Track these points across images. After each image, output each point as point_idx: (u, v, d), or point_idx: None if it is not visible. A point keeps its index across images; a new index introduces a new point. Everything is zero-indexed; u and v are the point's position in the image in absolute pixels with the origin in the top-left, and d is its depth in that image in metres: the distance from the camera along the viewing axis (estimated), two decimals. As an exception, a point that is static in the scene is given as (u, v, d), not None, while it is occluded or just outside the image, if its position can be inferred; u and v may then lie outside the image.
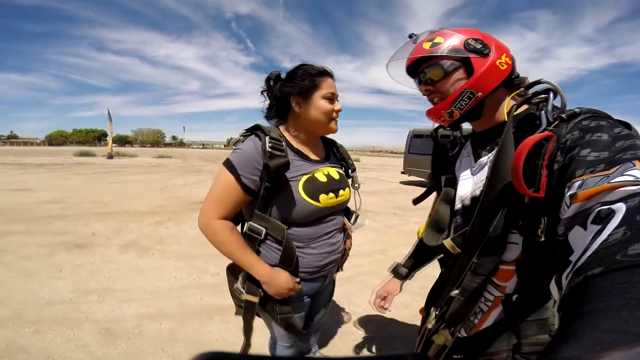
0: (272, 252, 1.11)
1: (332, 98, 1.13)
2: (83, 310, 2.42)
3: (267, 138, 1.02)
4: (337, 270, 1.36)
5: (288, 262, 1.09)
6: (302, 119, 1.13)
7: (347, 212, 1.34)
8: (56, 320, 2.27)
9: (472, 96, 0.78)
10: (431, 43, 0.81)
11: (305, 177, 1.09)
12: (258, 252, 1.12)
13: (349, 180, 1.30)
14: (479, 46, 0.77)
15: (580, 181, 0.50)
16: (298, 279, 1.13)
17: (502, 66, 0.77)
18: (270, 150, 0.99)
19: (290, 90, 1.10)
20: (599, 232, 0.39)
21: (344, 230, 1.29)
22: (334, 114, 1.14)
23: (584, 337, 0.27)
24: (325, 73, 1.13)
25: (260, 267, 1.08)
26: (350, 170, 1.32)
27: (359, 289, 2.90)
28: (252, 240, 1.11)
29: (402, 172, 12.03)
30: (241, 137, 1.10)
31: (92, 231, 4.46)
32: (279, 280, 1.07)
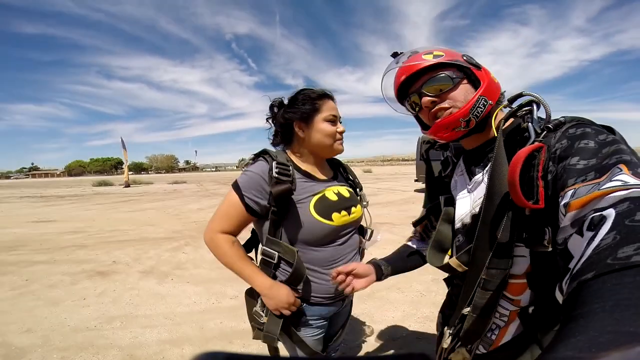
0: (287, 276, 1.09)
1: (334, 120, 1.14)
2: (107, 336, 2.47)
3: (274, 163, 1.04)
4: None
5: (294, 282, 1.08)
6: (306, 143, 1.15)
7: (362, 230, 1.31)
8: (82, 347, 2.32)
9: (486, 103, 0.77)
10: (432, 55, 0.80)
11: (316, 197, 1.10)
12: (274, 277, 1.11)
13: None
14: (474, 61, 0.79)
15: (572, 190, 0.52)
16: (297, 295, 1.10)
17: (496, 80, 0.80)
18: (276, 176, 1.02)
19: (292, 116, 1.13)
20: (592, 238, 0.41)
21: (359, 250, 1.27)
22: (338, 135, 1.16)
23: (578, 338, 0.28)
24: (325, 96, 1.15)
25: (260, 279, 1.07)
26: (357, 189, 1.30)
27: (380, 305, 2.87)
28: (267, 265, 1.11)
29: (416, 180, 11.85)
30: (249, 161, 1.13)
31: (112, 259, 4.56)
32: (278, 293, 1.06)
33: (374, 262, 1.11)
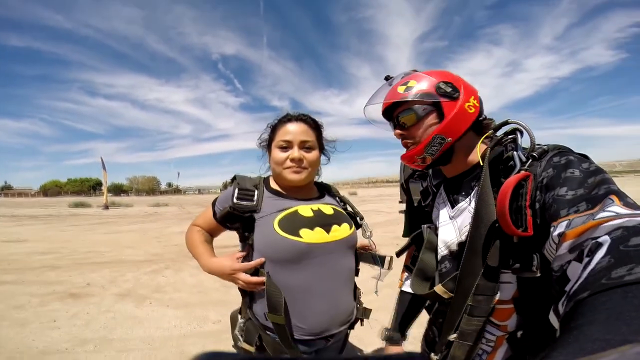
0: (262, 302, 1.02)
1: (285, 146, 1.08)
2: (80, 359, 2.29)
3: (236, 190, 1.08)
4: (351, 328, 1.18)
5: (275, 307, 0.97)
6: (272, 169, 1.17)
7: (376, 260, 1.21)
8: (50, 371, 2.14)
9: (442, 142, 0.79)
10: (405, 87, 0.82)
11: (284, 213, 1.05)
12: (250, 305, 1.09)
13: (360, 230, 1.22)
14: (449, 90, 0.78)
15: (567, 221, 0.54)
16: (260, 261, 1.02)
17: (470, 109, 0.79)
18: (236, 201, 1.06)
19: (264, 144, 1.19)
20: (588, 263, 0.43)
21: (355, 287, 1.19)
22: (287, 163, 1.07)
23: (571, 345, 0.29)
24: (284, 120, 1.12)
25: (204, 260, 1.11)
26: (358, 218, 1.22)
27: (368, 328, 2.76)
28: (243, 291, 1.11)
29: (400, 202, 11.89)
30: (228, 183, 1.20)
31: (87, 281, 4.32)
32: (219, 265, 1.06)
33: (388, 339, 1.11)
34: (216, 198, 1.17)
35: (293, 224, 1.03)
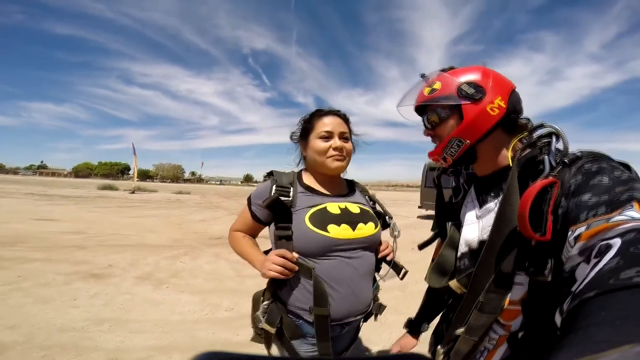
0: (302, 292, 1.08)
1: (327, 136, 1.15)
2: (93, 338, 2.37)
3: (274, 186, 1.13)
4: (364, 321, 1.24)
5: (322, 300, 1.04)
6: (308, 161, 1.22)
7: (396, 267, 1.26)
8: (65, 347, 2.22)
9: (460, 144, 0.81)
10: (430, 89, 0.84)
11: (314, 209, 1.11)
12: (279, 288, 1.11)
13: (389, 229, 1.27)
14: (471, 91, 0.78)
15: (585, 226, 0.53)
16: (295, 255, 1.05)
17: (493, 111, 0.77)
18: (275, 196, 1.10)
19: (296, 136, 1.24)
20: (597, 264, 0.43)
21: (374, 280, 1.23)
22: (331, 152, 1.14)
23: (575, 347, 0.29)
24: (321, 113, 1.19)
25: (258, 259, 1.11)
26: (387, 218, 1.28)
27: (377, 326, 2.71)
28: (276, 281, 1.10)
29: (420, 207, 11.74)
30: (264, 178, 1.23)
31: (109, 262, 4.48)
32: (267, 261, 1.05)
33: (409, 326, 1.18)
34: (249, 199, 1.19)
35: (322, 219, 1.09)
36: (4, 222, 7.39)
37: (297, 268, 1.04)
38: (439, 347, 0.92)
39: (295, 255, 1.05)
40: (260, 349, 1.17)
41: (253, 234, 1.25)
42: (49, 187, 25.01)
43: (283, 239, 1.08)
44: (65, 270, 3.99)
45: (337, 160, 1.15)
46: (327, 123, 1.16)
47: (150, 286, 3.61)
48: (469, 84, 0.78)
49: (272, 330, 1.09)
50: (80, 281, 3.65)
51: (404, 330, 1.19)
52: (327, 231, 1.07)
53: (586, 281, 0.41)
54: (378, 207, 1.30)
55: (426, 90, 0.85)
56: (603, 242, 0.46)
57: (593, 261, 0.45)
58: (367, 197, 1.31)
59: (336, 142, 1.15)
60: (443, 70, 0.86)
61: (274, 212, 1.10)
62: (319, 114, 1.20)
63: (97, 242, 5.76)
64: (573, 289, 0.44)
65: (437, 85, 0.83)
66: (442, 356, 0.89)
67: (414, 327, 1.17)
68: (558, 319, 0.45)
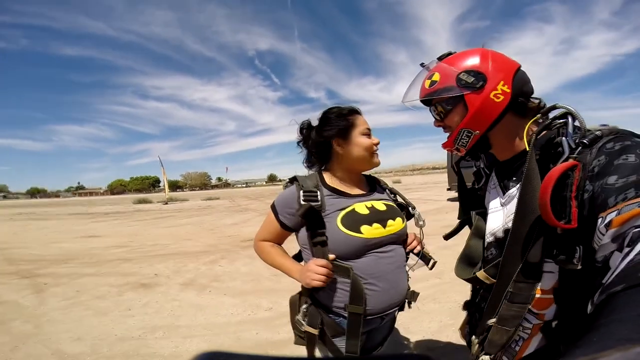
0: (339, 291, 1.11)
1: (369, 134, 1.19)
2: (151, 345, 2.56)
3: (301, 192, 1.12)
4: (400, 310, 1.26)
5: (359, 299, 1.07)
6: (345, 159, 1.19)
7: (425, 258, 1.28)
8: (128, 355, 2.42)
9: (470, 134, 0.79)
10: (430, 81, 0.82)
11: (344, 212, 1.12)
12: (315, 290, 1.12)
13: (413, 219, 1.29)
14: (471, 80, 0.75)
15: (615, 211, 0.50)
16: (332, 257, 1.08)
17: (498, 98, 0.75)
18: (303, 203, 1.09)
19: (330, 134, 1.17)
20: (628, 253, 0.40)
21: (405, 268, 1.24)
22: (375, 147, 1.20)
23: (598, 345, 0.28)
24: (356, 111, 1.22)
25: (295, 268, 1.14)
26: (410, 209, 1.30)
27: (415, 316, 2.74)
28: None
29: (449, 189, 11.46)
30: (287, 184, 1.23)
31: (154, 272, 4.75)
32: (307, 270, 1.06)
33: None
34: (274, 207, 1.19)
35: (354, 221, 1.11)
36: (54, 242, 7.97)
37: (334, 274, 1.07)
38: (473, 337, 0.92)
39: (332, 256, 1.08)
40: (302, 351, 1.22)
41: (280, 242, 1.26)
42: (89, 206, 26.52)
43: (318, 245, 1.09)
44: (116, 283, 4.28)
45: (378, 156, 1.21)
46: (365, 121, 1.20)
47: (195, 291, 3.82)
48: (468, 72, 0.76)
49: (315, 332, 1.13)
50: (131, 291, 3.91)
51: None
52: (360, 232, 1.09)
53: (615, 273, 0.39)
54: (399, 199, 1.33)
55: (427, 83, 0.84)
56: (636, 230, 0.44)
57: (625, 250, 0.43)
58: (387, 191, 1.33)
59: (375, 138, 1.20)
60: (440, 58, 0.84)
61: (307, 219, 1.11)
62: (351, 112, 1.21)
63: (140, 254, 6.11)
64: (604, 280, 0.43)
65: (436, 76, 0.81)
66: (477, 346, 0.89)
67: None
68: (590, 310, 0.44)
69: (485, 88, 0.75)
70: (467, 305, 1.11)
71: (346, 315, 1.10)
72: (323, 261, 1.05)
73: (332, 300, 1.12)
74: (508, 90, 0.75)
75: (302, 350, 1.19)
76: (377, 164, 1.22)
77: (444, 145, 0.89)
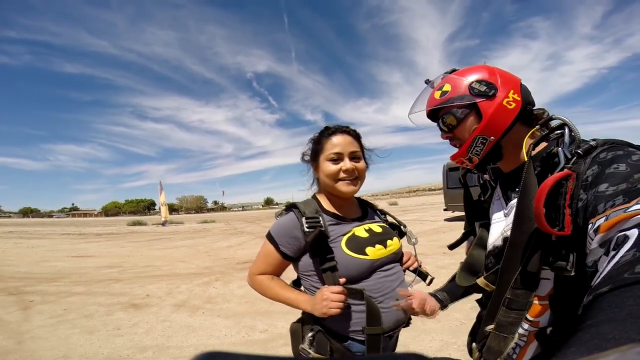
0: (354, 314, 1.06)
1: (335, 158, 1.10)
2: (140, 365, 2.44)
3: (304, 219, 1.06)
4: (406, 326, 1.23)
5: (376, 320, 1.03)
6: (320, 183, 1.18)
7: (422, 275, 1.26)
8: (115, 375, 2.30)
9: (485, 141, 0.80)
10: (440, 92, 0.84)
11: (346, 237, 1.10)
12: (338, 319, 1.05)
13: (405, 238, 1.28)
14: (483, 88, 0.78)
15: (604, 217, 0.52)
16: (343, 281, 1.04)
17: (510, 105, 0.77)
18: (308, 230, 1.04)
19: (307, 158, 1.18)
20: (614, 256, 0.41)
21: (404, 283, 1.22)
22: (341, 174, 1.10)
23: (587, 345, 0.28)
24: (329, 132, 1.13)
25: (303, 298, 1.09)
26: (402, 227, 1.29)
27: (416, 335, 2.70)
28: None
29: (445, 209, 11.50)
30: (282, 212, 1.16)
31: (146, 292, 4.62)
32: (322, 299, 1.01)
33: (430, 294, 1.12)
34: (270, 237, 1.12)
35: (357, 244, 1.09)
36: (45, 261, 7.78)
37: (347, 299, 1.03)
38: (474, 344, 0.92)
39: (342, 280, 1.04)
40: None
41: (279, 273, 1.17)
42: (82, 227, 26.11)
43: (328, 271, 1.05)
44: (106, 302, 4.14)
45: (349, 184, 1.11)
46: (336, 143, 1.10)
47: (187, 313, 3.70)
48: (479, 81, 0.79)
49: (326, 357, 1.07)
50: (121, 311, 3.78)
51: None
52: (366, 254, 1.08)
53: (602, 275, 0.40)
54: (390, 219, 1.31)
55: (437, 94, 0.85)
56: (621, 234, 0.45)
57: (611, 254, 0.44)
58: (378, 212, 1.32)
59: (346, 164, 1.09)
60: (447, 73, 0.87)
61: (315, 245, 1.06)
62: (328, 132, 1.14)
63: (132, 275, 5.96)
64: (592, 283, 0.44)
65: (447, 87, 0.83)
66: (477, 353, 0.89)
67: (438, 296, 1.11)
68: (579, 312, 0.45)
69: (498, 96, 0.77)
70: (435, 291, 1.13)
71: (362, 338, 1.06)
72: (338, 288, 1.00)
73: (347, 325, 1.07)
74: (519, 99, 0.78)
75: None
76: (346, 193, 1.12)
77: (454, 157, 0.89)
